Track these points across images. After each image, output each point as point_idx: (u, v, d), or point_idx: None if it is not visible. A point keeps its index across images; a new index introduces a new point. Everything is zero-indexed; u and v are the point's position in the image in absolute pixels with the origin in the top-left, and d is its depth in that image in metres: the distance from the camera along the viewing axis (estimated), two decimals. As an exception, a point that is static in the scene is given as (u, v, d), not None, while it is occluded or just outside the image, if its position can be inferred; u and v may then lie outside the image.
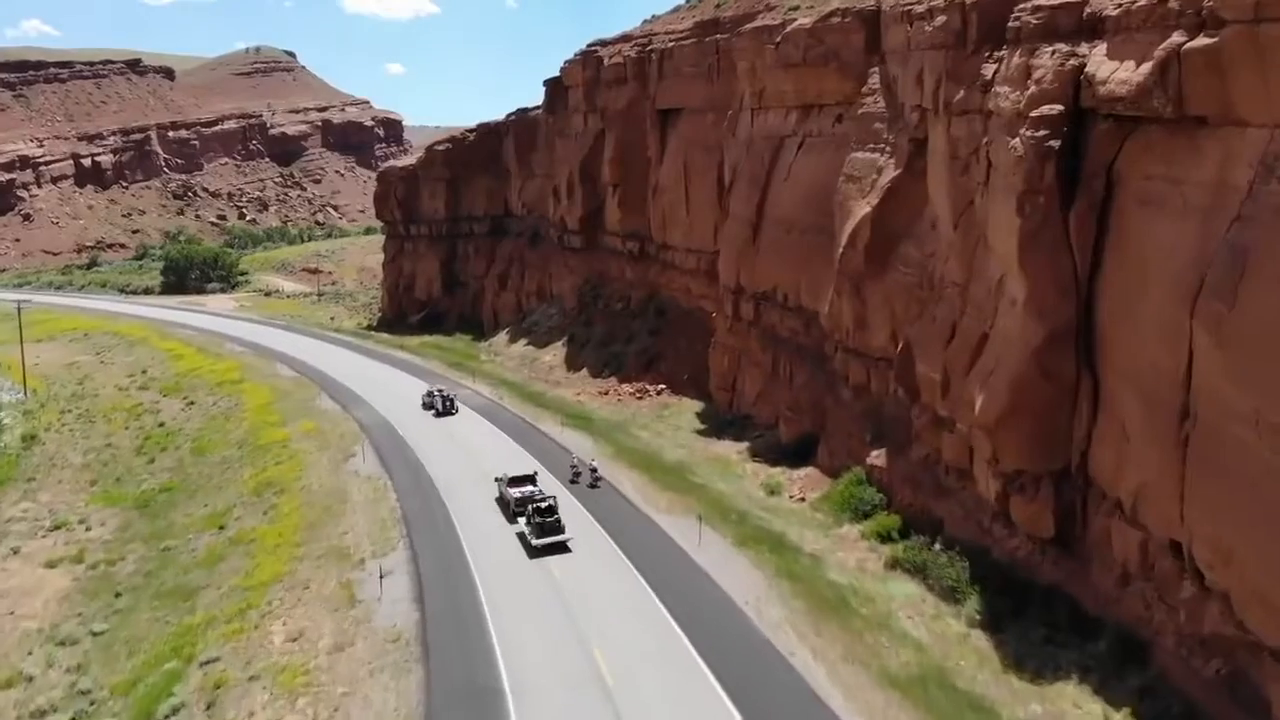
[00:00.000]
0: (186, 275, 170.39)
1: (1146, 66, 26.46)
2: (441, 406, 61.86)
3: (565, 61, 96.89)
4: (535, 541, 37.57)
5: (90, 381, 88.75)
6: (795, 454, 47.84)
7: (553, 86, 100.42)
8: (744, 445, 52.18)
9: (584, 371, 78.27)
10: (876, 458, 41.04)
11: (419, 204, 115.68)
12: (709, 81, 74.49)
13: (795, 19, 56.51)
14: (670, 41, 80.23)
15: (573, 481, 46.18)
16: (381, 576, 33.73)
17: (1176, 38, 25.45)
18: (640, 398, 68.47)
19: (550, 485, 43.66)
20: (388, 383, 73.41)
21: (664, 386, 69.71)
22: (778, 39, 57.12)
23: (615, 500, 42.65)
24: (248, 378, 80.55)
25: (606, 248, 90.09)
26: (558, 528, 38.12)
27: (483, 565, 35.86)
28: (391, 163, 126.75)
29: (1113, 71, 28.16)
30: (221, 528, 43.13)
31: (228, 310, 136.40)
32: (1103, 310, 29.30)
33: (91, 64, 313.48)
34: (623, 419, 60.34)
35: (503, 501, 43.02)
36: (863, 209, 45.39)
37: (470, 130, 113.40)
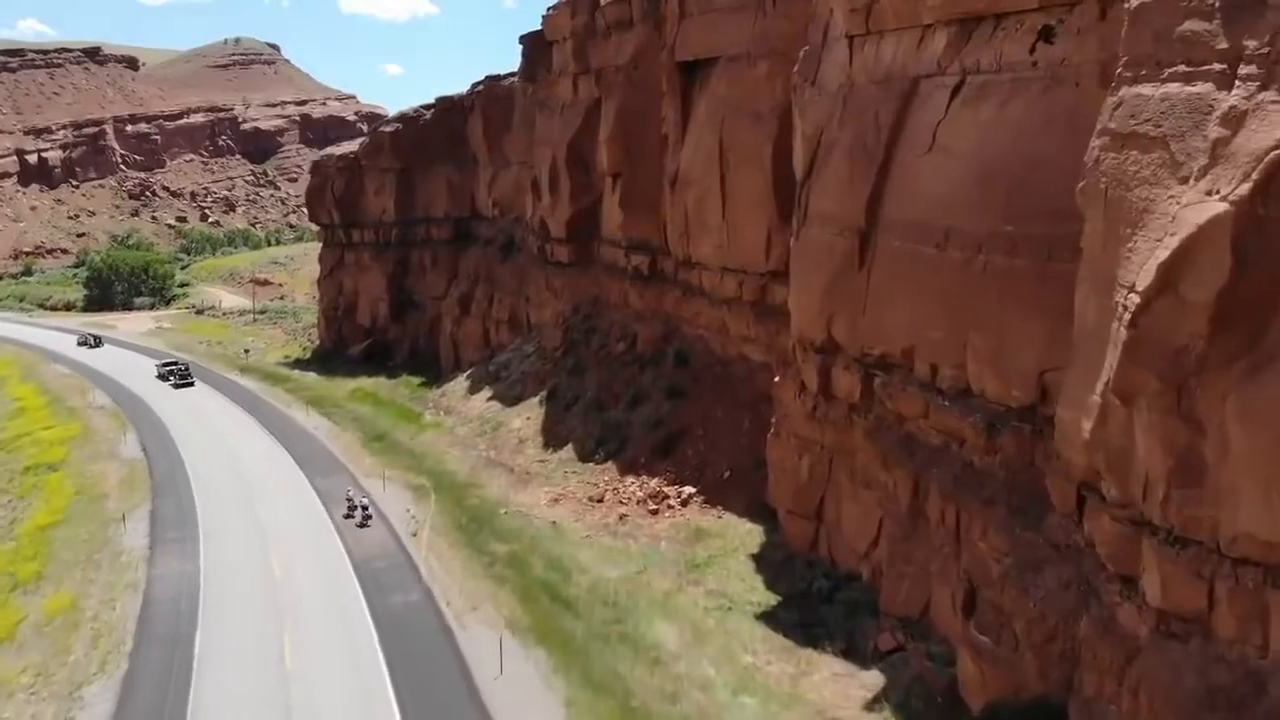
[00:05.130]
0: (111, 288, 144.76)
1: None
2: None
3: (549, 8, 70.96)
4: (176, 382, 76.03)
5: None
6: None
7: (531, 44, 74.41)
8: (875, 680, 26.08)
9: (568, 450, 52.29)
10: None
11: (362, 202, 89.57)
12: (758, 11, 48.65)
13: None
14: (697, -39, 54.22)
15: (346, 517, 43.04)
16: None
17: None
18: (655, 512, 42.49)
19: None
20: (258, 485, 47.65)
21: (692, 490, 43.72)
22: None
23: None
24: (74, 456, 54.81)
25: (603, 262, 64.24)
26: (187, 375, 77.46)
27: None
28: (329, 150, 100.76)
29: None
30: None
31: (138, 334, 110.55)
32: None
33: (45, 52, 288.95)
34: (627, 578, 34.14)
35: (159, 376, 77.26)
36: (1194, 209, 19.37)
37: (427, 106, 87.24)
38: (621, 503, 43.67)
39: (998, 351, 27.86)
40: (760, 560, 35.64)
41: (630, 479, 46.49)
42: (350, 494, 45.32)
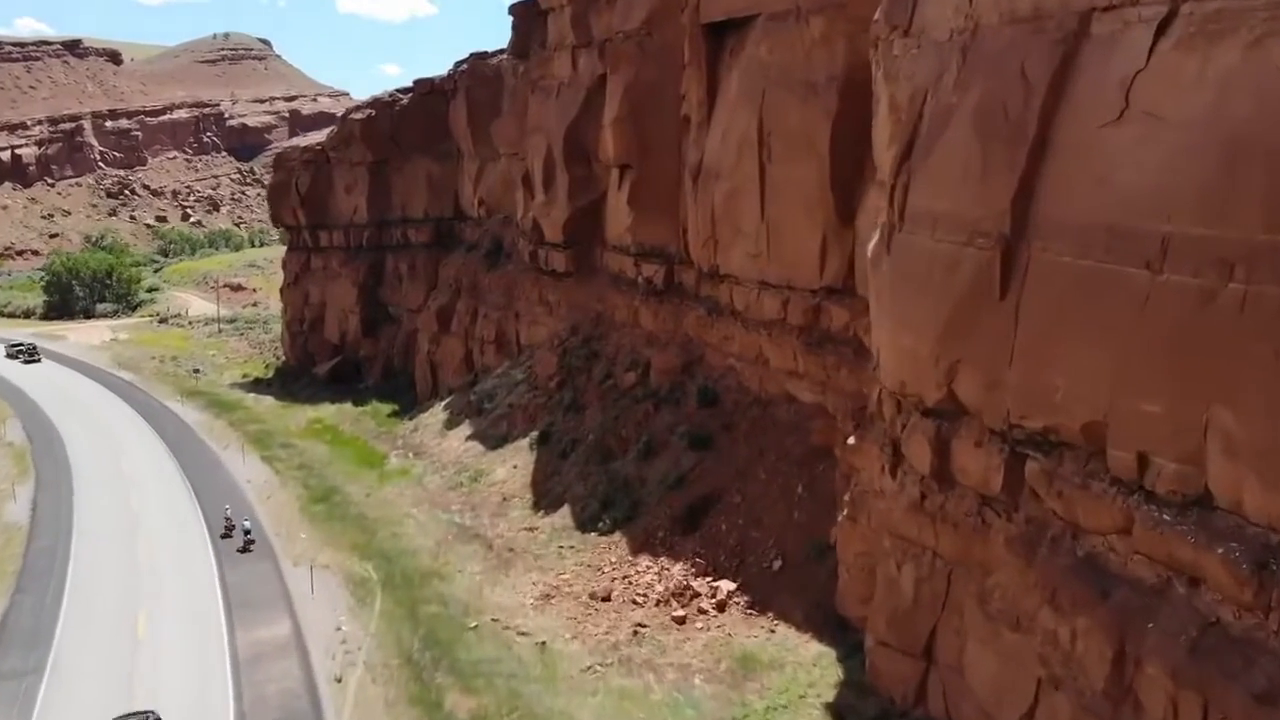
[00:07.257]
0: (70, 293, 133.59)
1: None
2: None
3: (542, -29, 59.87)
4: (25, 359, 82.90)
5: None
6: None
7: (523, 13, 63.40)
8: None
9: (563, 514, 41.20)
10: None
11: (330, 200, 78.57)
12: (812, -47, 37.61)
13: None
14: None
15: (223, 537, 39.87)
16: None
17: None
18: (681, 620, 31.36)
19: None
20: (152, 574, 36.45)
21: (732, 587, 32.59)
22: None
23: None
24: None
25: (608, 273, 53.40)
26: (35, 353, 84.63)
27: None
28: (295, 141, 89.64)
29: None
30: None
31: (89, 345, 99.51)
32: None
33: (23, 45, 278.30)
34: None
35: (8, 355, 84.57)
36: None
37: (404, 90, 76.16)
38: (635, 602, 32.54)
39: (1273, 444, 16.79)
40: (843, 717, 24.53)
41: (645, 562, 35.44)
42: (228, 511, 41.81)
